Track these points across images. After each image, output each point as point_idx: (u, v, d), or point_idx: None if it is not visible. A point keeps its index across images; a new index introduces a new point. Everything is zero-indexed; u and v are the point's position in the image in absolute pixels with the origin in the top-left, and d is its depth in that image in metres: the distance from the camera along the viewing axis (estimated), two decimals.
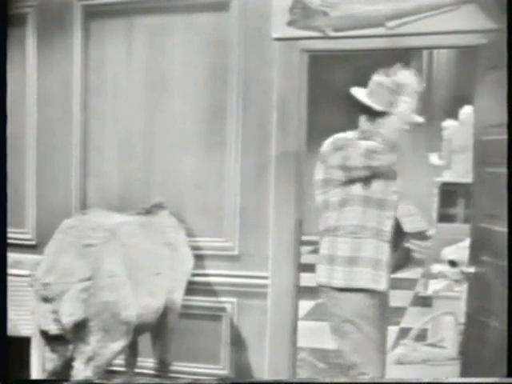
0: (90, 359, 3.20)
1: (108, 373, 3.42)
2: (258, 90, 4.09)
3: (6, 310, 3.26)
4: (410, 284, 7.39)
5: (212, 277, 4.23)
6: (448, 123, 7.67)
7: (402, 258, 7.84)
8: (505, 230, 3.27)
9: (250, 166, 4.13)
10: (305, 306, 5.52)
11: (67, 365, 3.24)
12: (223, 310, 4.23)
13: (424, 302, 6.12)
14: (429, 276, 5.87)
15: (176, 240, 3.92)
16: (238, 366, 4.22)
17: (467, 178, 4.54)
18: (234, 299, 4.20)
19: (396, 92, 3.04)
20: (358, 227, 3.06)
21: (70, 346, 3.23)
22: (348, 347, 3.07)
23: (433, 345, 5.14)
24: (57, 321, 3.16)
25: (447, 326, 5.06)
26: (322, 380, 3.22)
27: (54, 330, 3.18)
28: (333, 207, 3.07)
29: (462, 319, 4.13)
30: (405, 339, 5.12)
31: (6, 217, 3.32)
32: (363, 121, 3.12)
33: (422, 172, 7.96)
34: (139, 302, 3.39)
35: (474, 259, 3.71)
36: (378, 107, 3.06)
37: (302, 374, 4.44)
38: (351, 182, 3.03)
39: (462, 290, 4.47)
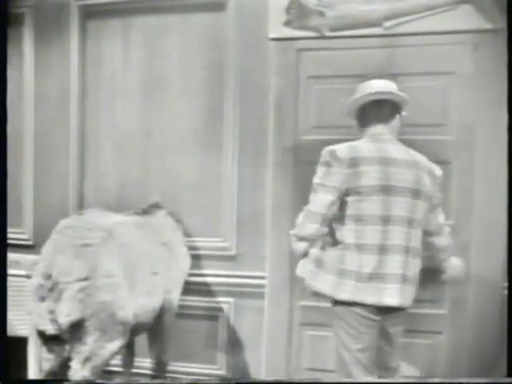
0: (87, 359, 3.19)
1: (105, 373, 3.41)
2: (255, 90, 4.09)
3: (5, 310, 3.27)
4: None
5: (209, 277, 4.23)
6: None
7: None
8: None
9: (247, 165, 4.13)
10: None
11: (64, 365, 3.23)
12: (220, 310, 4.23)
13: None
14: None
15: (173, 240, 3.92)
16: (235, 366, 4.22)
17: None
18: (230, 299, 4.20)
19: None
20: None
21: (67, 346, 3.21)
22: None
23: None
24: (54, 321, 3.15)
25: None
26: (321, 380, 3.19)
27: (50, 330, 3.16)
28: None
29: None
30: None
31: (6, 217, 3.32)
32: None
33: None
34: (136, 302, 3.39)
35: None
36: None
37: None
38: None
39: None
